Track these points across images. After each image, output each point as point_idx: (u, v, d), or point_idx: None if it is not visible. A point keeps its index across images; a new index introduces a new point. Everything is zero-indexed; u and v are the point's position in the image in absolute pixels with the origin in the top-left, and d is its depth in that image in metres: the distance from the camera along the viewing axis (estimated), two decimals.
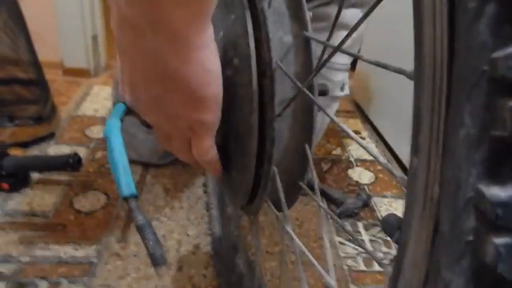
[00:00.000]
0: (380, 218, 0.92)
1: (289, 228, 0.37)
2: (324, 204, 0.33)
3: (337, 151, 1.17)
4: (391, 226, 0.21)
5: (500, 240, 0.17)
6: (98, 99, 1.31)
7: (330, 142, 1.20)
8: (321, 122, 0.83)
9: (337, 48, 0.28)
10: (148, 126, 0.42)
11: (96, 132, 1.12)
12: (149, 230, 0.34)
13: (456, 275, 0.19)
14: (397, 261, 0.22)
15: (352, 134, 0.28)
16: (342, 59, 0.83)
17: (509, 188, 0.17)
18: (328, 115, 0.31)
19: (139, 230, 0.34)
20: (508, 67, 0.16)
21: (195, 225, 0.83)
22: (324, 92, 0.45)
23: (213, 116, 0.36)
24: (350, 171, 1.08)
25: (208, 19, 0.30)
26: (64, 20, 1.36)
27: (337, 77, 0.85)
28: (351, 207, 0.91)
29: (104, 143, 1.06)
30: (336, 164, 1.10)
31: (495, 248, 0.17)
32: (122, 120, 0.40)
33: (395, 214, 0.28)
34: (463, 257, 0.19)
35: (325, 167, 1.08)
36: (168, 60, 0.31)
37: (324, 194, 0.95)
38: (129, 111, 0.41)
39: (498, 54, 0.16)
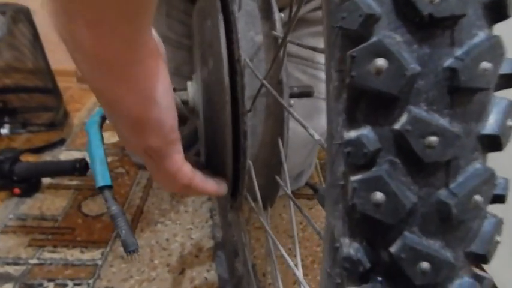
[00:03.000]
0: None
1: (263, 220, 0.38)
2: (292, 196, 0.34)
3: None
4: (323, 198, 0.23)
5: (354, 178, 0.19)
6: None
7: None
8: (322, 126, 0.84)
9: (284, 38, 0.29)
10: None
11: (106, 137, 1.14)
12: (122, 218, 0.36)
13: (336, 219, 0.21)
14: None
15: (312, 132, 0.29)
16: None
17: (361, 129, 0.19)
18: (291, 114, 0.32)
19: (113, 218, 0.36)
20: (349, 21, 0.18)
21: (199, 229, 0.85)
22: (308, 94, 0.45)
23: (158, 140, 0.32)
24: None
25: (142, 34, 0.26)
26: None
27: None
28: None
29: (112, 148, 1.08)
30: None
31: (351, 184, 0.19)
32: (104, 118, 0.43)
33: None
34: (339, 201, 0.21)
35: None
36: (103, 80, 0.28)
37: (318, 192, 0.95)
38: None
39: (343, 8, 0.19)
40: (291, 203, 0.34)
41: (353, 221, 0.20)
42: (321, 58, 0.80)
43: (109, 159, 1.04)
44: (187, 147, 1.07)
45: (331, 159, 0.21)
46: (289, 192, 0.35)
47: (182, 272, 0.74)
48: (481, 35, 0.18)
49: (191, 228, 0.84)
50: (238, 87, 0.37)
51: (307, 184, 0.98)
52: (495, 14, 0.18)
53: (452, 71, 0.17)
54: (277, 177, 0.41)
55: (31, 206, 0.88)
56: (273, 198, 0.44)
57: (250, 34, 0.39)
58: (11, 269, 0.72)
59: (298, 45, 0.30)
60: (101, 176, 0.38)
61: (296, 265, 0.30)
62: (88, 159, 0.41)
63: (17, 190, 0.88)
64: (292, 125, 0.78)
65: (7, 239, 0.79)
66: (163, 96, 0.30)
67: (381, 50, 0.18)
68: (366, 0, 0.18)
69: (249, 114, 0.38)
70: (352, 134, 0.19)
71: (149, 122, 0.31)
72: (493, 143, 0.19)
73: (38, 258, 0.75)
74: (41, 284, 0.70)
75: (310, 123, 0.84)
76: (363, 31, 0.18)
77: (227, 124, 0.37)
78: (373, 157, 0.19)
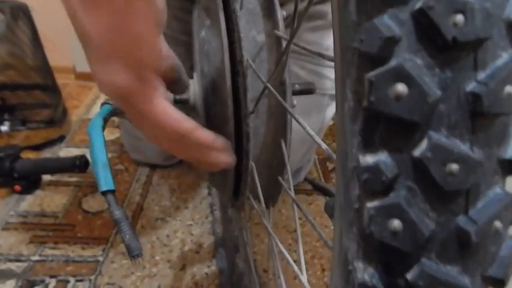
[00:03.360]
0: None
1: (266, 222, 0.38)
2: (296, 198, 0.34)
3: None
4: (332, 209, 0.23)
5: (371, 204, 0.19)
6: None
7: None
8: (321, 122, 0.84)
9: (290, 41, 0.29)
10: None
11: (105, 134, 1.15)
12: (125, 222, 0.36)
13: (350, 241, 0.20)
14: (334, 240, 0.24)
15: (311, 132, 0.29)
16: None
17: (378, 154, 0.19)
18: (291, 114, 0.32)
19: (116, 223, 0.36)
20: (368, 44, 0.18)
21: (199, 225, 0.85)
22: (310, 91, 0.46)
23: (127, 76, 0.29)
24: None
25: None
26: None
27: (333, 74, 0.86)
28: None
29: (111, 145, 1.09)
30: None
31: (368, 211, 0.19)
32: (105, 120, 0.43)
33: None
34: (353, 224, 0.20)
35: (330, 165, 1.09)
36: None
37: (318, 188, 0.96)
38: (115, 113, 0.44)
39: (361, 30, 0.18)
40: (295, 206, 0.34)
41: (369, 246, 0.20)
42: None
43: (108, 156, 1.05)
44: None
45: (345, 180, 0.20)
46: (292, 194, 0.35)
47: (183, 268, 0.75)
48: (504, 57, 0.17)
49: (191, 225, 0.85)
50: (240, 88, 0.37)
51: (306, 179, 0.99)
52: None
53: (475, 96, 0.17)
54: (280, 178, 0.41)
55: (31, 203, 0.88)
56: (275, 199, 0.44)
57: (252, 33, 0.39)
58: (13, 266, 0.73)
59: (304, 49, 0.30)
60: (104, 181, 0.38)
61: (301, 269, 0.30)
62: (90, 161, 0.41)
63: (17, 187, 0.89)
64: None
65: (8, 235, 0.79)
66: (139, 22, 0.27)
67: (402, 75, 0.17)
68: (385, 22, 0.17)
69: (252, 116, 0.38)
70: (369, 159, 0.19)
71: (116, 48, 0.28)
72: None
73: (40, 255, 0.75)
74: (43, 281, 0.70)
75: (309, 120, 0.85)
76: (383, 54, 0.17)
77: (230, 126, 0.37)
78: (390, 183, 0.18)
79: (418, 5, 0.17)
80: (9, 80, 1.06)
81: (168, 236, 0.82)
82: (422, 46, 0.17)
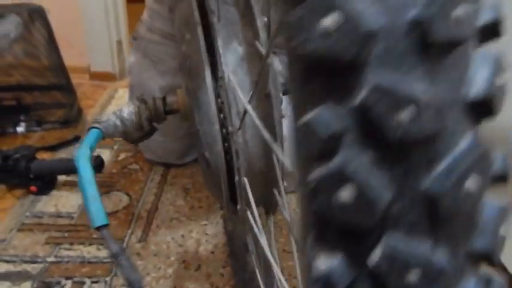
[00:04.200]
0: None
1: (261, 238, 0.36)
2: (286, 213, 0.33)
3: None
4: None
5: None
6: (123, 101, 1.34)
7: None
8: None
9: (269, 53, 0.27)
10: (134, 142, 0.43)
11: None
12: (123, 256, 0.34)
13: (309, 229, 0.17)
14: None
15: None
16: None
17: (333, 257, 0.16)
18: (261, 130, 0.30)
19: (114, 257, 0.34)
20: (307, 146, 0.15)
21: (214, 225, 0.84)
22: None
23: None
24: None
25: None
26: (90, 27, 1.40)
27: None
28: None
29: (126, 144, 1.08)
30: None
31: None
32: (92, 148, 0.41)
33: None
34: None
35: None
36: None
37: None
38: (103, 138, 0.42)
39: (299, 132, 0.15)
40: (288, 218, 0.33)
41: (322, 229, 0.17)
42: None
43: (122, 155, 1.05)
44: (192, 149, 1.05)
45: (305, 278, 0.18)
46: (287, 216, 0.34)
47: (198, 268, 0.74)
48: (462, 145, 0.14)
49: (206, 224, 0.84)
50: (224, 105, 0.35)
51: None
52: (480, 112, 0.15)
53: (431, 196, 0.14)
54: (276, 192, 0.39)
55: (47, 203, 0.89)
56: (275, 207, 0.43)
57: (233, 45, 0.37)
58: (28, 267, 0.73)
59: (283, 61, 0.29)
60: (96, 216, 0.36)
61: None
62: (81, 190, 0.38)
63: (33, 188, 0.89)
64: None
65: (24, 237, 0.80)
66: None
67: (345, 178, 0.14)
68: (324, 118, 0.14)
69: (239, 132, 0.36)
70: (321, 265, 0.16)
71: None
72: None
73: (55, 256, 0.75)
74: (58, 282, 0.70)
75: None
76: (324, 153, 0.15)
77: (218, 143, 0.36)
78: None
79: (357, 101, 0.14)
80: (25, 80, 1.07)
81: (183, 236, 0.81)
82: (368, 142, 0.14)
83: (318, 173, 0.15)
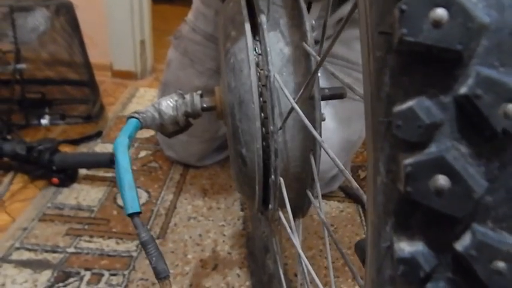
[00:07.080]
0: None
1: (294, 239, 0.37)
2: (323, 215, 0.33)
3: None
4: (362, 251, 0.21)
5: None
6: (143, 100, 1.36)
7: None
8: (360, 130, 0.83)
9: (323, 59, 0.28)
10: (168, 135, 0.44)
11: (139, 133, 1.16)
12: (152, 245, 0.35)
13: (387, 215, 0.18)
14: None
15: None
16: None
17: (415, 243, 0.16)
18: (311, 128, 0.31)
19: (144, 245, 0.35)
20: (405, 130, 0.15)
21: (231, 226, 0.85)
22: (340, 95, 0.44)
23: None
24: None
25: None
26: (115, 26, 1.42)
27: None
28: None
29: (146, 142, 1.10)
30: None
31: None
32: (131, 138, 0.41)
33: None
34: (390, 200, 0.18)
35: (362, 174, 1.08)
36: None
37: (349, 195, 0.96)
38: (141, 128, 0.43)
39: (398, 115, 0.16)
40: (325, 227, 0.34)
41: (408, 214, 0.17)
42: None
43: (143, 153, 1.06)
44: (222, 149, 1.06)
45: (377, 257, 0.18)
46: (323, 216, 0.35)
47: (215, 267, 0.75)
48: None
49: (223, 225, 0.85)
50: (268, 104, 0.36)
51: (338, 186, 0.98)
52: None
53: None
54: (310, 195, 0.40)
55: (68, 195, 0.90)
56: (304, 211, 0.44)
57: (279, 45, 0.38)
58: (49, 257, 0.74)
59: (333, 75, 0.29)
60: (130, 203, 0.37)
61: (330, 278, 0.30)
62: (117, 183, 0.39)
63: (55, 180, 0.90)
64: (331, 125, 0.78)
65: (45, 227, 0.81)
66: None
67: (443, 166, 0.15)
68: (425, 106, 0.15)
69: (280, 131, 0.37)
70: (406, 248, 0.17)
71: None
72: None
73: (75, 247, 0.77)
74: (78, 273, 0.71)
75: (349, 127, 0.84)
76: (422, 140, 0.15)
77: (258, 141, 0.37)
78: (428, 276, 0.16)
79: (463, 91, 0.15)
80: (51, 74, 1.09)
81: (200, 235, 0.82)
82: (466, 133, 0.15)
83: (415, 158, 0.15)
